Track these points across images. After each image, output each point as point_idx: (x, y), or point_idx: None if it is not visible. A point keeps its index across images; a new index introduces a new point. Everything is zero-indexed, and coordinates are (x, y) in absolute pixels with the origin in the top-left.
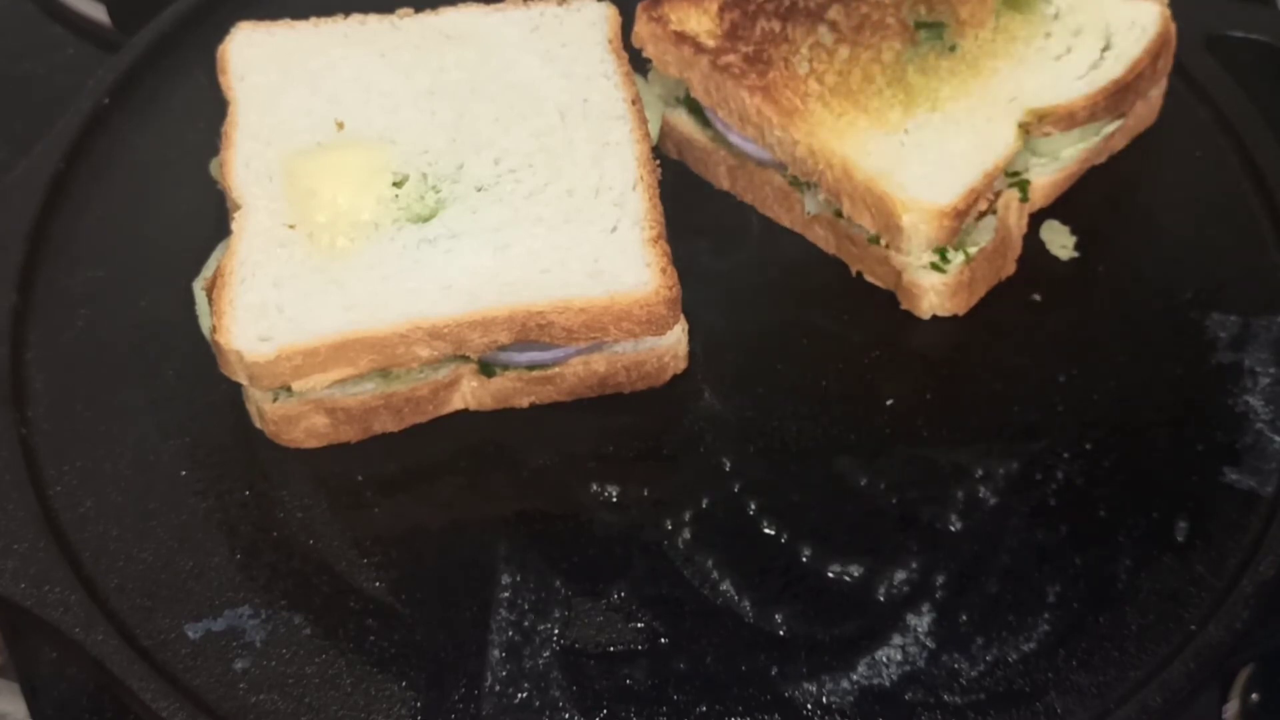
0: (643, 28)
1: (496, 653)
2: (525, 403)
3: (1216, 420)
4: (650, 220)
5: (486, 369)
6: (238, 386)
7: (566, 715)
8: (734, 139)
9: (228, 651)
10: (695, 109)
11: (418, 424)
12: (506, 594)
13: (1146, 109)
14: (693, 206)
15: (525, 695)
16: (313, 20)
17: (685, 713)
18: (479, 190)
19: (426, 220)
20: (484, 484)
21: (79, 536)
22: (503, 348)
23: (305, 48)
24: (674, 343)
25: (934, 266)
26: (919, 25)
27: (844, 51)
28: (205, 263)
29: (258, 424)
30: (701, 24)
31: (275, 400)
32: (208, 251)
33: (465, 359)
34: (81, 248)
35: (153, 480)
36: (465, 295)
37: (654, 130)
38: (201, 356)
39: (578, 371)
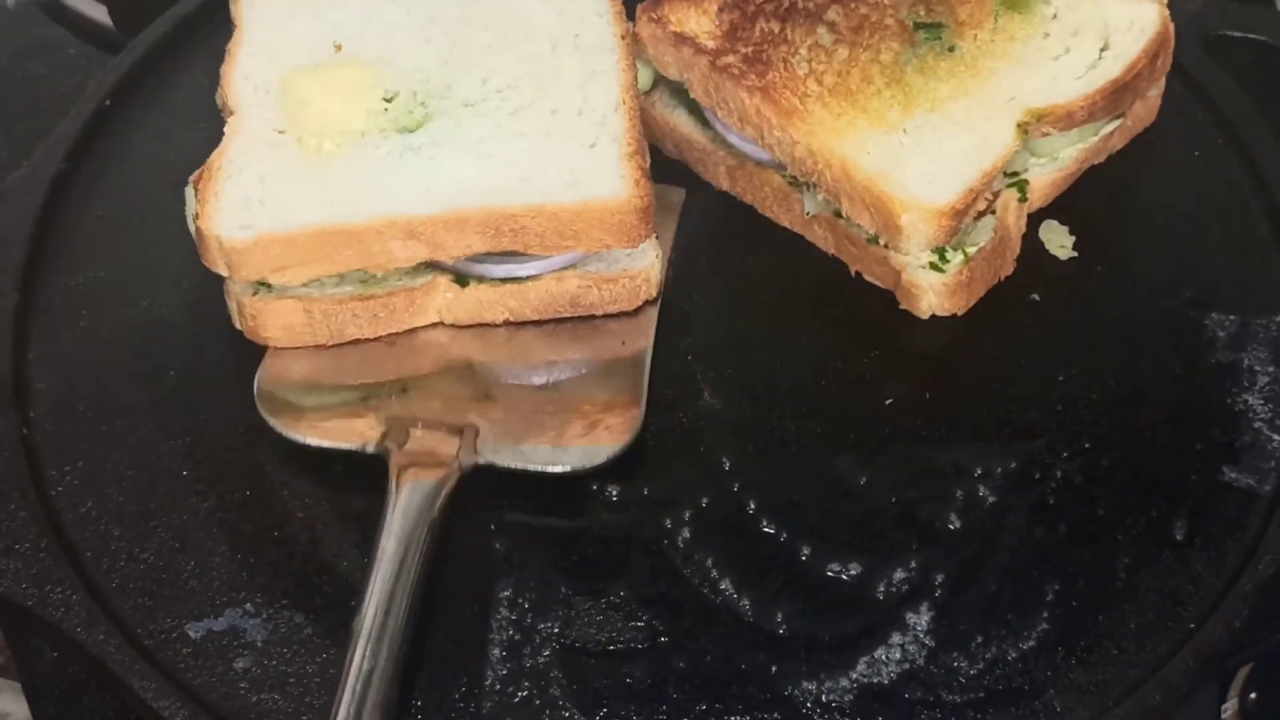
0: (643, 29)
1: (496, 652)
2: (499, 318)
3: (1215, 419)
4: (629, 138)
5: (461, 280)
6: (237, 386)
7: (567, 714)
8: (733, 139)
9: (229, 651)
10: (695, 109)
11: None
12: (506, 594)
13: (1145, 109)
14: (692, 207)
15: (525, 694)
16: None
17: (685, 711)
18: (466, 106)
19: (413, 131)
20: (484, 484)
21: (80, 536)
22: (478, 259)
23: None
24: (646, 265)
25: (933, 266)
26: (918, 26)
27: (843, 52)
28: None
29: (236, 322)
30: (701, 25)
31: (255, 295)
32: None
33: (442, 269)
34: (82, 248)
35: (153, 480)
36: (443, 197)
37: (644, 81)
38: (202, 356)
39: (550, 287)
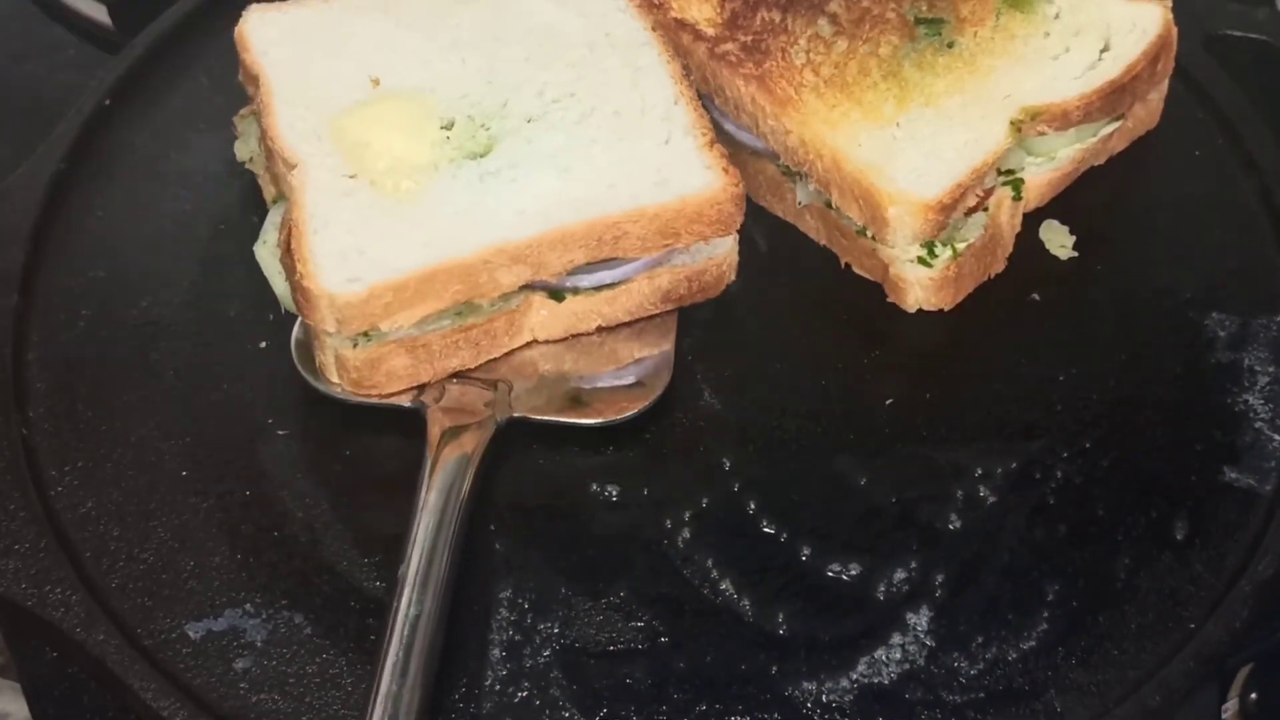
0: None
1: (496, 652)
2: (593, 326)
3: (1215, 419)
4: (700, 128)
5: (556, 295)
6: (237, 386)
7: (567, 714)
8: (729, 127)
9: (228, 651)
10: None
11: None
12: (506, 594)
13: (1147, 112)
14: None
15: (525, 694)
16: None
17: (685, 711)
18: (529, 122)
19: (483, 156)
20: (484, 484)
21: (80, 536)
22: (573, 270)
23: (320, 22)
24: (728, 250)
25: (920, 261)
26: (919, 21)
27: (842, 44)
28: (261, 230)
29: (333, 377)
30: (703, 12)
31: (355, 346)
32: (210, 251)
33: (536, 287)
34: (82, 248)
35: (153, 480)
36: (539, 217)
37: None
38: (202, 356)
39: (642, 288)
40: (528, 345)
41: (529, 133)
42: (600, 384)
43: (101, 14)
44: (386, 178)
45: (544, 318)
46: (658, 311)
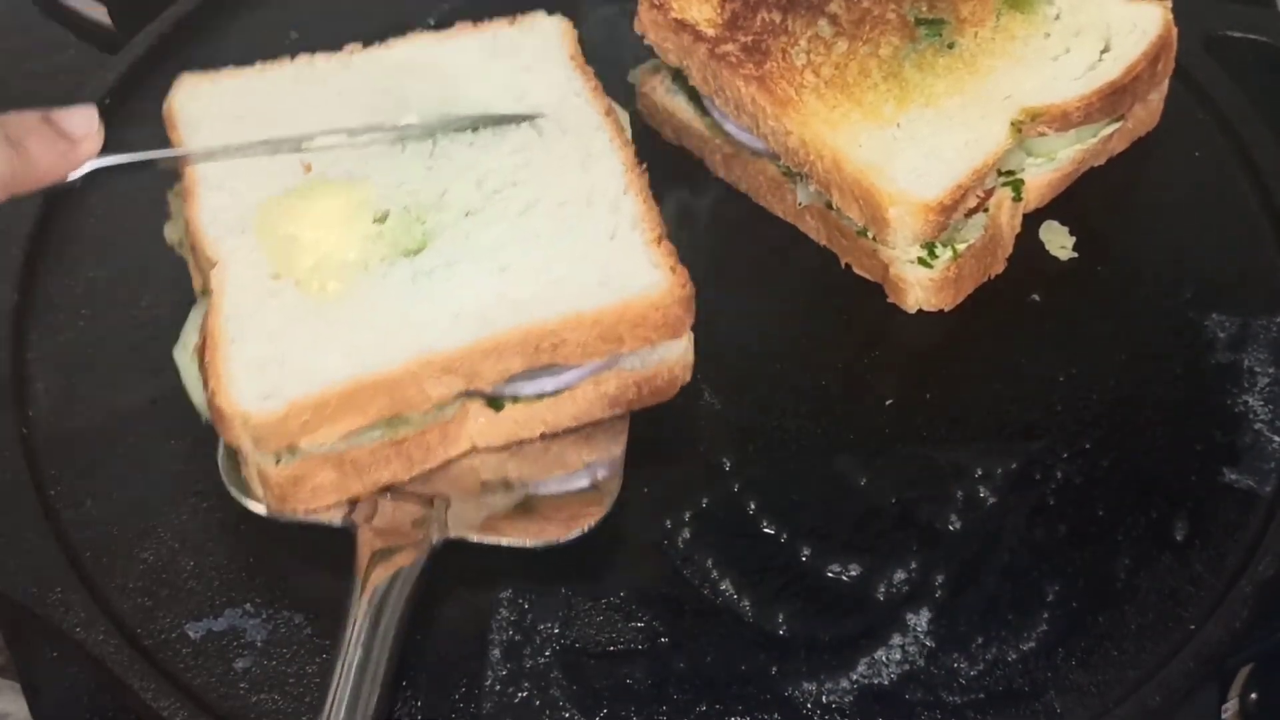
0: (644, 14)
1: (496, 652)
2: (536, 434)
3: (1215, 420)
4: (649, 221)
5: (495, 403)
6: None
7: (567, 714)
8: (730, 128)
9: (229, 651)
10: (694, 96)
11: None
12: (506, 594)
13: (1147, 113)
14: (691, 201)
15: (525, 694)
16: (259, 65)
17: (685, 712)
18: (467, 215)
19: (417, 252)
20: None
21: (79, 536)
22: (511, 378)
23: (256, 93)
24: (682, 352)
25: (921, 261)
26: (919, 22)
27: (842, 45)
28: (182, 331)
29: (257, 493)
30: (703, 13)
31: (279, 463)
32: None
33: (472, 394)
34: (81, 248)
35: (153, 480)
36: (474, 320)
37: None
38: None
39: (588, 394)
40: (466, 453)
41: (467, 227)
42: (548, 489)
43: (101, 14)
44: (312, 277)
45: (482, 425)
46: (605, 417)
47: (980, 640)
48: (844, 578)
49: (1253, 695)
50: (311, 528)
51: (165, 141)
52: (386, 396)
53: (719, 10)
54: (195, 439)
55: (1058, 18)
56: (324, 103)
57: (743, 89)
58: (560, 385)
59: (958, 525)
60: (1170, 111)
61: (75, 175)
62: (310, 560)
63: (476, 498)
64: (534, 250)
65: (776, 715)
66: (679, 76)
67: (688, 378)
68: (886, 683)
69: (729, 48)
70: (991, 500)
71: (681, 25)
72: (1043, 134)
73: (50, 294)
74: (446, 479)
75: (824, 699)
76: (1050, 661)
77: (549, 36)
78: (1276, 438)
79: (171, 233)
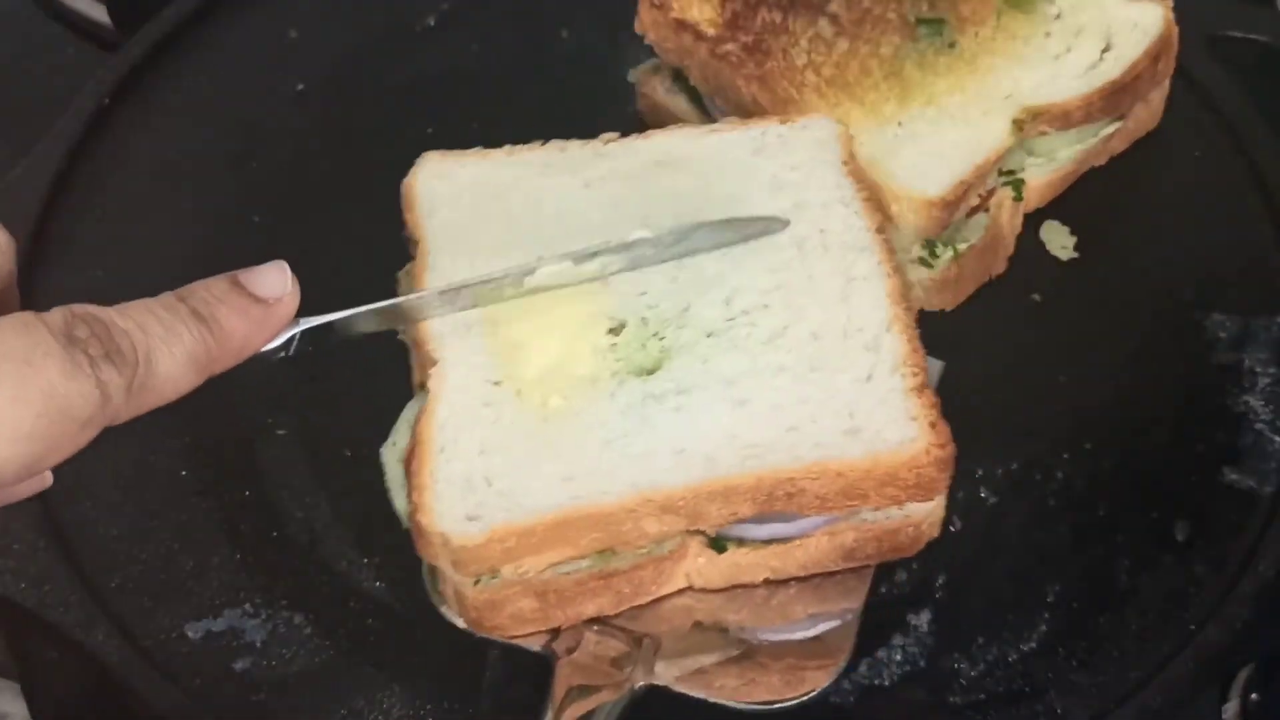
0: (645, 14)
1: (495, 651)
2: (759, 579)
3: (1216, 420)
4: (911, 365)
5: (717, 543)
6: (237, 386)
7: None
8: None
9: (228, 651)
10: (695, 96)
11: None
12: None
13: (1148, 113)
14: None
15: (525, 694)
16: (506, 149)
17: (685, 712)
18: (709, 336)
19: (651, 372)
20: None
21: (79, 536)
22: (741, 520)
23: (500, 178)
24: (933, 506)
25: (921, 261)
26: (920, 21)
27: (843, 44)
28: (393, 427)
29: (451, 608)
30: (703, 13)
31: (478, 584)
32: (208, 251)
33: (693, 533)
34: (81, 248)
35: (153, 480)
36: (701, 460)
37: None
38: None
39: (821, 544)
40: (680, 591)
41: (707, 350)
42: (767, 636)
43: (101, 14)
44: (535, 390)
45: (701, 565)
46: (838, 570)
47: (981, 640)
48: None
49: (1254, 696)
50: None
51: (166, 140)
52: (600, 530)
53: (719, 10)
54: (195, 438)
55: (1058, 17)
56: (570, 193)
57: (743, 88)
58: (791, 533)
59: (958, 526)
60: (1171, 111)
61: (275, 344)
62: (310, 560)
63: (687, 640)
64: (776, 386)
65: (778, 715)
66: (679, 76)
67: (935, 533)
68: (888, 683)
69: (730, 47)
70: (992, 500)
71: (682, 25)
72: (1044, 133)
73: (50, 294)
74: (656, 616)
75: (825, 699)
76: (1051, 662)
77: (823, 139)
78: (1277, 438)
79: (407, 338)
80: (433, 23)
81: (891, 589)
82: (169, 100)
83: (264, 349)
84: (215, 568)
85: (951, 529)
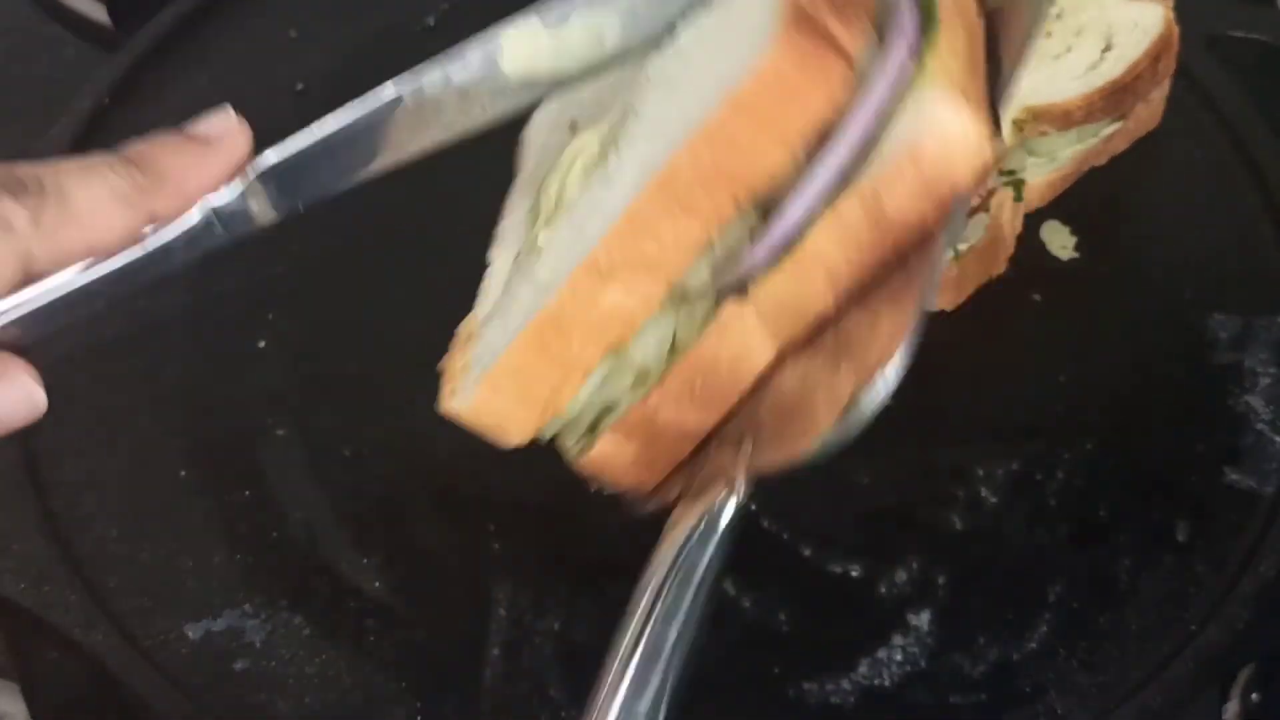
0: None
1: (495, 651)
2: (818, 286)
3: (1217, 420)
4: None
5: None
6: (239, 387)
7: (565, 713)
8: None
9: (228, 651)
10: None
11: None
12: (506, 593)
13: (1148, 113)
14: None
15: (525, 694)
16: None
17: (685, 711)
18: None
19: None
20: (483, 484)
21: (79, 536)
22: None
23: None
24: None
25: None
26: None
27: None
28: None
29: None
30: None
31: (578, 449)
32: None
33: (721, 294)
34: None
35: (153, 480)
36: (630, 187)
37: None
38: (202, 356)
39: (854, 211)
40: (768, 373)
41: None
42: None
43: (101, 13)
44: (532, 248)
45: (750, 325)
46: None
47: (982, 640)
48: (845, 578)
49: (1254, 696)
50: None
51: None
52: (573, 326)
53: None
54: (195, 438)
55: (1059, 17)
56: None
57: None
58: (790, 223)
59: (959, 526)
60: (1171, 111)
61: (233, 187)
62: (310, 560)
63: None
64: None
65: (777, 715)
66: None
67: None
68: (888, 683)
69: None
70: (993, 500)
71: None
72: (1044, 133)
73: None
74: (752, 419)
75: (825, 699)
76: (1052, 662)
77: None
78: (1278, 438)
79: None
80: (433, 23)
81: (891, 589)
82: (169, 100)
83: (227, 196)
84: (215, 568)
85: (953, 530)
